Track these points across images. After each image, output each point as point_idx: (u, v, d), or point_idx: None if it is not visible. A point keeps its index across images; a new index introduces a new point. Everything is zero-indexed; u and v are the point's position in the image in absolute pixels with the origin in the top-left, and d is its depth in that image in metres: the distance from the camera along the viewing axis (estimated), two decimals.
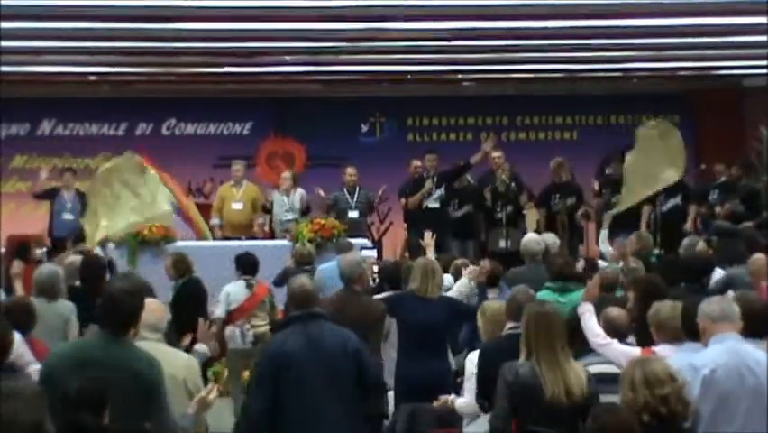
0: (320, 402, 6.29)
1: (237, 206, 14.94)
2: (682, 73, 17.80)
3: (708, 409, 5.40)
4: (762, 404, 5.45)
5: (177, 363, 5.85)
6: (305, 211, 14.72)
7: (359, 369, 6.41)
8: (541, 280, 9.36)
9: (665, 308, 6.41)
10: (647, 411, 5.01)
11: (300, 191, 15.00)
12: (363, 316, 7.91)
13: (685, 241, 11.47)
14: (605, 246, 11.84)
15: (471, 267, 9.69)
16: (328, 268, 10.60)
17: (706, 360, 5.50)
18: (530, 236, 10.98)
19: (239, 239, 14.47)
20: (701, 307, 5.77)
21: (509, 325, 7.00)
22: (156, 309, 6.08)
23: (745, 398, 5.45)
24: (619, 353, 6.46)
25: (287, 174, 15.20)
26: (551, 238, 11.50)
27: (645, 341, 6.55)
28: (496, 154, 15.36)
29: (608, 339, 6.59)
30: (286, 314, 7.99)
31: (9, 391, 3.85)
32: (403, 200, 15.33)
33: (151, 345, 5.80)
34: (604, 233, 12.28)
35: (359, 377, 6.41)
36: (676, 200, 14.84)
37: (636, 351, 6.37)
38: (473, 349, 7.57)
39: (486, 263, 9.82)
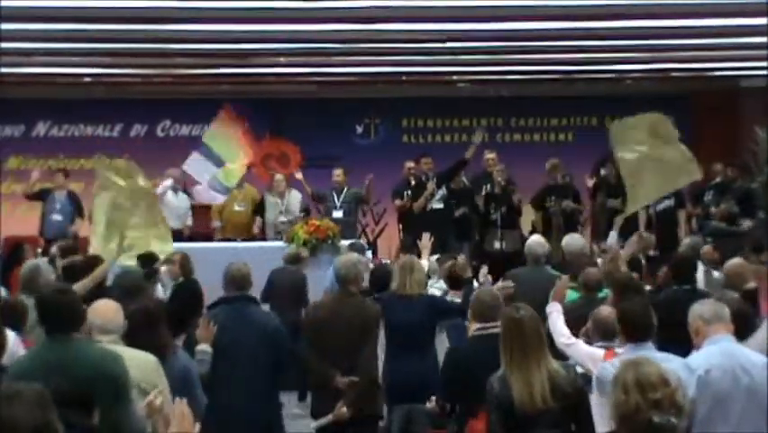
0: (245, 372, 7.36)
1: (240, 207, 15.22)
2: (678, 74, 17.80)
3: (704, 410, 5.41)
4: (756, 404, 5.46)
5: (130, 364, 5.70)
6: (306, 212, 14.73)
7: (276, 346, 7.49)
8: (541, 282, 9.34)
9: (625, 306, 6.37)
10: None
11: (295, 193, 15.02)
12: (359, 317, 7.89)
13: (686, 240, 11.40)
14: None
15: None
16: None
17: (700, 361, 5.51)
18: (534, 238, 10.88)
19: (245, 240, 14.54)
20: (693, 308, 5.78)
21: (475, 326, 6.97)
22: (103, 310, 5.98)
23: (740, 398, 5.46)
24: (584, 354, 6.46)
25: (280, 176, 15.26)
26: (580, 240, 11.13)
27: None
28: (490, 156, 15.37)
29: (573, 339, 6.59)
30: None
31: (11, 393, 3.81)
32: (398, 201, 15.32)
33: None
34: (614, 234, 12.16)
35: (276, 353, 7.50)
36: (670, 201, 14.86)
37: (599, 352, 6.33)
38: None
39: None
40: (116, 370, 5.47)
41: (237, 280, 7.68)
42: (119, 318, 6.06)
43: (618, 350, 6.15)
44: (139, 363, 5.83)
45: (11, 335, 6.74)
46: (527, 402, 5.61)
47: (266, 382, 7.54)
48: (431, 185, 14.98)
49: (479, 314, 6.97)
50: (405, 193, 15.27)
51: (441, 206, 15.06)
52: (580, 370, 6.30)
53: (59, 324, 5.54)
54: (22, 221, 16.81)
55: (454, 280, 9.50)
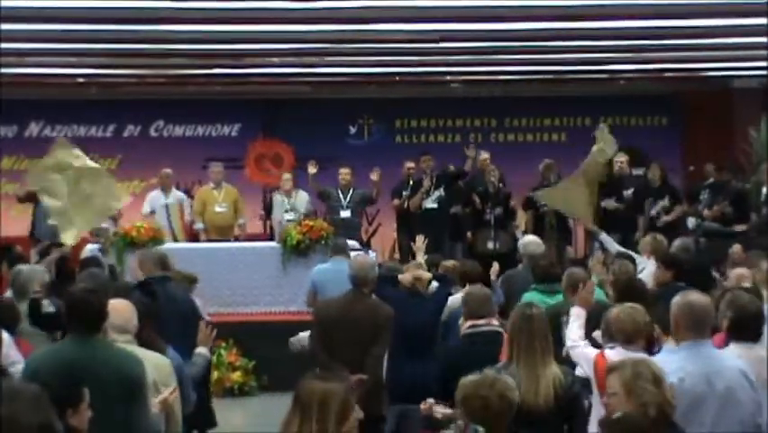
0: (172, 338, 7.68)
1: (221, 208, 14.96)
2: (671, 74, 17.81)
3: (678, 414, 5.22)
4: (730, 411, 5.35)
5: (147, 365, 5.74)
6: (311, 214, 14.67)
7: (195, 316, 8.69)
8: None
9: (616, 309, 6.35)
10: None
11: (303, 193, 14.97)
12: (370, 317, 7.90)
13: (677, 242, 11.37)
14: (613, 247, 11.70)
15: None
16: (328, 269, 10.56)
17: (674, 367, 5.30)
18: (530, 238, 10.90)
19: (227, 241, 14.49)
20: (675, 302, 5.59)
21: (467, 324, 7.01)
22: (122, 310, 6.01)
23: (714, 403, 5.33)
24: (581, 356, 6.43)
25: (287, 175, 15.21)
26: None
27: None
28: (484, 156, 15.38)
29: (578, 342, 6.56)
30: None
31: (11, 392, 3.80)
32: (396, 201, 15.35)
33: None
34: (607, 237, 12.15)
35: (193, 319, 8.39)
36: (664, 202, 14.87)
37: (592, 354, 6.29)
38: None
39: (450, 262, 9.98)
40: (136, 372, 5.51)
41: (162, 261, 9.10)
42: (135, 319, 6.12)
43: (608, 352, 6.10)
44: (155, 364, 5.90)
45: (5, 336, 6.73)
46: (531, 399, 5.64)
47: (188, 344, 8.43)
48: (427, 182, 15.02)
49: (470, 312, 7.02)
50: (403, 193, 15.31)
51: (435, 206, 15.09)
52: (578, 373, 6.31)
53: (85, 324, 5.52)
54: (15, 222, 16.79)
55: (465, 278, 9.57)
